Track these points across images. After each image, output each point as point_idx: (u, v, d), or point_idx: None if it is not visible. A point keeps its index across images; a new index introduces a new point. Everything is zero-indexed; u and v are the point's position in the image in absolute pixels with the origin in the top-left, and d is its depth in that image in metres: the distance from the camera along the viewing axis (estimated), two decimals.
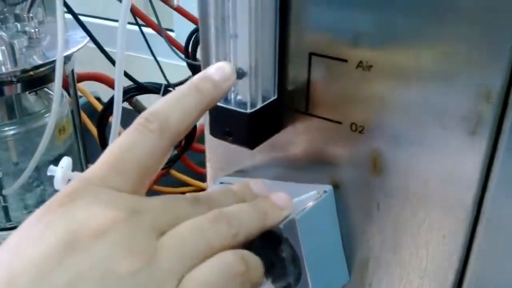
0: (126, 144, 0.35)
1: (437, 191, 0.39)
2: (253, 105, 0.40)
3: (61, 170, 0.58)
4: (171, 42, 1.02)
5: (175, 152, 1.08)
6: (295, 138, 0.44)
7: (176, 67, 1.08)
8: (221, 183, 0.50)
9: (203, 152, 0.51)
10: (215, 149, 0.50)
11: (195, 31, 0.78)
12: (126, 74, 0.91)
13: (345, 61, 0.39)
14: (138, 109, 1.08)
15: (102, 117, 0.95)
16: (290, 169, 0.46)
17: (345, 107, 0.40)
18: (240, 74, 0.40)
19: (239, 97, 0.41)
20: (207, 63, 0.44)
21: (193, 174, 1.34)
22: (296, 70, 0.41)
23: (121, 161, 0.34)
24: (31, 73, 0.89)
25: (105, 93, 1.24)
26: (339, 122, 0.41)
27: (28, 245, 0.30)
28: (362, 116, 0.40)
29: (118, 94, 0.65)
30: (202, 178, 1.32)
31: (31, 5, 0.93)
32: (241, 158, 0.49)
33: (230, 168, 0.50)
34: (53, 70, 0.96)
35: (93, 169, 0.34)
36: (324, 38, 0.39)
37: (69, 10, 0.84)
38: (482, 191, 0.38)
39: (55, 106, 0.83)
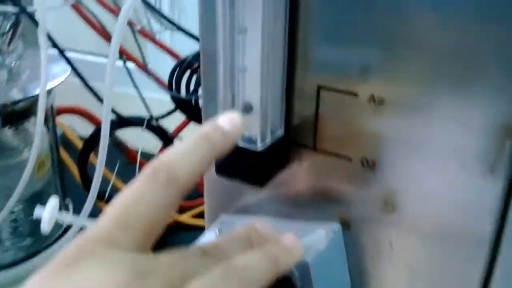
0: (132, 197, 0.32)
1: (453, 229, 0.37)
2: (263, 142, 0.38)
3: (48, 212, 0.55)
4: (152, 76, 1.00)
5: None
6: (301, 174, 0.42)
7: (153, 100, 1.07)
8: (222, 222, 0.47)
9: None
10: (214, 184, 0.48)
11: (180, 64, 0.76)
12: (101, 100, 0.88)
13: (356, 95, 0.37)
14: (117, 144, 1.05)
15: (83, 153, 0.92)
16: (295, 206, 0.44)
17: (355, 142, 0.39)
18: (247, 109, 0.38)
19: (245, 133, 0.39)
20: (210, 97, 0.43)
21: None
22: (304, 104, 0.40)
23: (127, 216, 0.32)
24: (12, 107, 0.86)
25: (81, 126, 1.21)
26: (349, 158, 0.39)
27: None
28: (374, 152, 0.38)
29: (105, 131, 0.63)
30: (179, 210, 1.29)
31: (11, 39, 0.90)
32: (242, 195, 0.47)
33: (230, 204, 0.48)
34: (33, 104, 0.94)
35: (99, 224, 0.32)
36: (333, 71, 0.38)
37: (54, 45, 0.81)
38: (499, 231, 0.36)
39: (37, 141, 0.80)
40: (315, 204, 0.43)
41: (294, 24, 0.38)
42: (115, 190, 0.98)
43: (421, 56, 0.34)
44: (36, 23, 0.76)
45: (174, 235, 0.80)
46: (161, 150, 1.10)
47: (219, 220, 0.48)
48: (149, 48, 1.13)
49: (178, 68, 0.77)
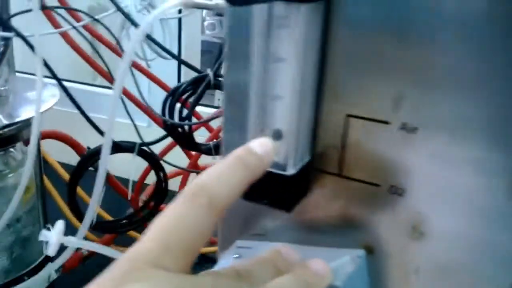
0: (175, 220, 0.33)
1: (481, 255, 0.38)
2: (294, 167, 0.38)
3: (56, 235, 0.54)
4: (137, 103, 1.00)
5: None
6: (324, 200, 0.42)
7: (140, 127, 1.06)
8: (238, 247, 0.47)
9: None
10: (232, 209, 0.47)
11: (173, 92, 0.76)
12: (101, 132, 0.87)
13: (387, 123, 0.38)
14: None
15: (72, 179, 0.90)
16: (315, 232, 0.44)
17: (384, 169, 0.39)
18: (277, 135, 0.39)
19: (274, 158, 0.39)
20: (232, 124, 0.43)
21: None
22: (331, 131, 0.40)
23: (170, 238, 0.32)
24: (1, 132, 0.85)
25: (60, 152, 1.19)
26: (377, 185, 0.39)
27: None
28: (404, 179, 0.38)
29: (103, 162, 0.62)
30: None
31: None
32: (261, 219, 0.46)
33: (244, 230, 0.47)
34: (19, 129, 0.92)
35: (142, 244, 0.32)
36: (363, 100, 0.38)
37: (53, 75, 0.80)
38: None
39: (29, 165, 0.78)
40: (338, 230, 0.42)
41: (324, 53, 0.38)
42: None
43: (455, 83, 0.35)
44: (32, 48, 0.75)
45: None
46: (145, 174, 1.09)
47: (235, 245, 0.47)
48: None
49: (172, 96, 0.77)
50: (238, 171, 0.35)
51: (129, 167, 0.93)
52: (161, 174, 0.92)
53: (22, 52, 0.86)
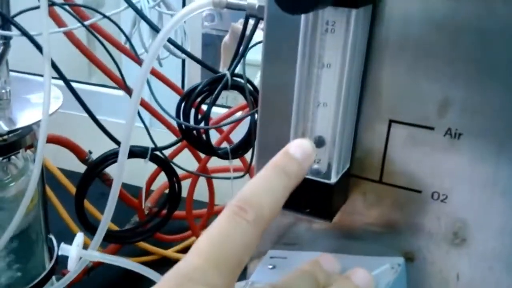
0: (222, 235, 0.35)
1: None
2: (336, 175, 0.41)
3: (76, 249, 0.56)
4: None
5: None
6: (363, 207, 0.45)
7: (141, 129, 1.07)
8: (272, 257, 0.49)
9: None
10: None
11: (188, 94, 0.78)
12: (113, 139, 0.89)
13: (432, 129, 0.40)
14: (106, 179, 1.06)
15: (80, 189, 0.92)
16: (352, 240, 0.46)
17: (427, 176, 0.42)
18: (319, 143, 0.41)
19: (316, 166, 0.42)
20: (266, 130, 0.45)
21: (152, 241, 1.32)
22: (372, 137, 0.43)
23: (218, 253, 0.34)
24: (3, 138, 0.87)
25: (60, 159, 1.21)
26: (419, 191, 0.42)
27: None
28: (447, 185, 0.41)
29: (120, 170, 0.64)
30: (163, 244, 1.29)
31: None
32: (293, 228, 0.49)
33: (279, 239, 0.50)
34: (23, 135, 0.94)
35: (190, 261, 0.34)
36: (407, 106, 0.41)
37: (60, 76, 0.82)
38: None
39: (36, 173, 0.80)
40: (376, 238, 0.45)
41: (368, 57, 0.41)
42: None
43: (505, 85, 0.38)
44: (39, 48, 0.77)
45: (159, 270, 0.82)
46: (151, 180, 1.11)
47: (268, 255, 0.50)
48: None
49: (187, 99, 0.79)
50: (280, 181, 0.37)
51: (132, 172, 0.95)
52: (174, 179, 0.94)
53: (12, 50, 0.88)
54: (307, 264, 0.42)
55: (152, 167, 1.01)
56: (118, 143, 0.90)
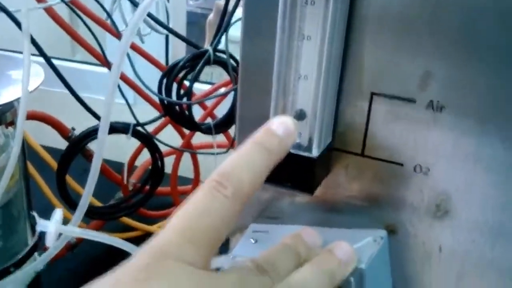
0: (198, 210, 0.34)
1: (505, 232, 0.40)
2: (318, 148, 0.41)
3: (54, 225, 0.56)
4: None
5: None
6: (345, 180, 0.45)
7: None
8: (254, 231, 0.49)
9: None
10: None
11: (171, 69, 0.78)
12: (94, 114, 0.88)
13: (413, 101, 0.40)
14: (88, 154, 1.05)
15: (62, 165, 0.92)
16: (334, 213, 0.46)
17: (409, 148, 0.41)
18: (300, 116, 0.41)
19: (297, 140, 0.41)
20: (246, 104, 0.45)
21: (136, 217, 1.31)
22: (354, 111, 0.42)
23: (194, 229, 0.34)
24: None
25: (43, 136, 1.20)
26: (401, 164, 0.42)
27: None
28: (429, 158, 0.41)
29: (100, 144, 0.64)
30: (148, 220, 1.29)
31: None
32: (275, 202, 0.49)
33: (261, 212, 0.50)
34: (3, 112, 0.93)
35: (165, 235, 0.34)
36: (389, 78, 0.40)
37: (41, 53, 0.81)
38: None
39: (16, 149, 0.79)
40: (358, 210, 0.45)
41: (349, 30, 0.40)
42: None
43: (487, 60, 0.37)
44: (18, 24, 0.76)
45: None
46: (135, 156, 1.11)
47: (250, 229, 0.50)
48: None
49: (169, 74, 0.78)
50: (260, 156, 0.36)
51: (116, 148, 0.95)
52: (157, 155, 0.94)
53: None
54: (289, 237, 0.42)
55: (137, 143, 1.01)
56: (99, 118, 0.89)
